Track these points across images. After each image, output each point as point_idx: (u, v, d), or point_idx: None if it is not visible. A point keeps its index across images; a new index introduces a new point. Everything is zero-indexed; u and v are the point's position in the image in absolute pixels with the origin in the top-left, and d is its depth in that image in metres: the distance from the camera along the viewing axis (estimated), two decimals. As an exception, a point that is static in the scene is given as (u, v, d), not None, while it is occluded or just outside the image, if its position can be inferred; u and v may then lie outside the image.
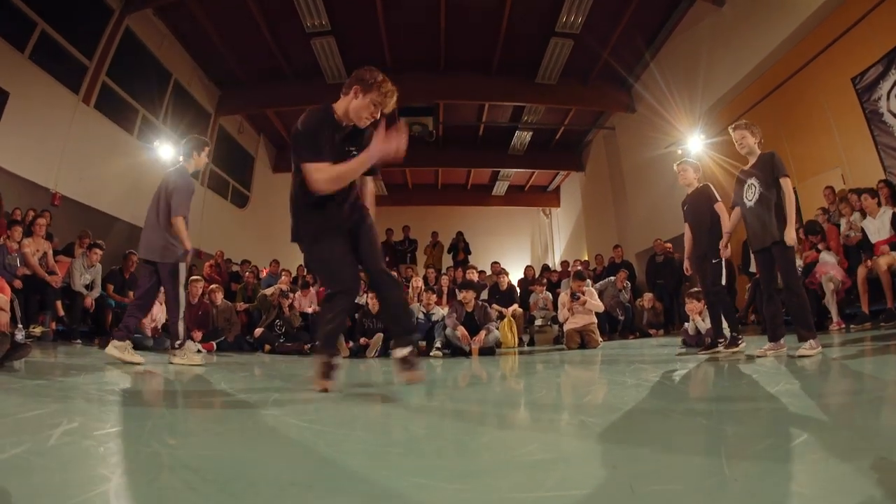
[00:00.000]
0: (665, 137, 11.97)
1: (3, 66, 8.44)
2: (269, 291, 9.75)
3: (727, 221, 5.47)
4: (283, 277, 10.52)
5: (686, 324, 7.38)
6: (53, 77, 9.46)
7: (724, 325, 5.81)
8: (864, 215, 7.44)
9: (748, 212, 5.02)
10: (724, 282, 5.66)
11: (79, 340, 7.89)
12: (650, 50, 12.46)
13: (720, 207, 5.64)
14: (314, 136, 3.29)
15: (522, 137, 16.91)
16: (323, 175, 3.17)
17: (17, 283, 7.15)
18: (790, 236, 4.70)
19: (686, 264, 6.15)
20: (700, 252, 5.78)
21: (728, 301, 5.82)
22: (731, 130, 5.16)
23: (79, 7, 9.87)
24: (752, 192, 4.99)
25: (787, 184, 4.74)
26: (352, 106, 3.42)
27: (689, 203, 6.01)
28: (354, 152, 3.36)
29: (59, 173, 9.69)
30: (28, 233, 7.88)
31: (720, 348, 5.62)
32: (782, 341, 4.88)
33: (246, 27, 11.71)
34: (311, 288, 10.29)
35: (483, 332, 7.58)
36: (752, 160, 5.05)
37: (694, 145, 10.97)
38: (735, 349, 5.39)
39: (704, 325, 6.89)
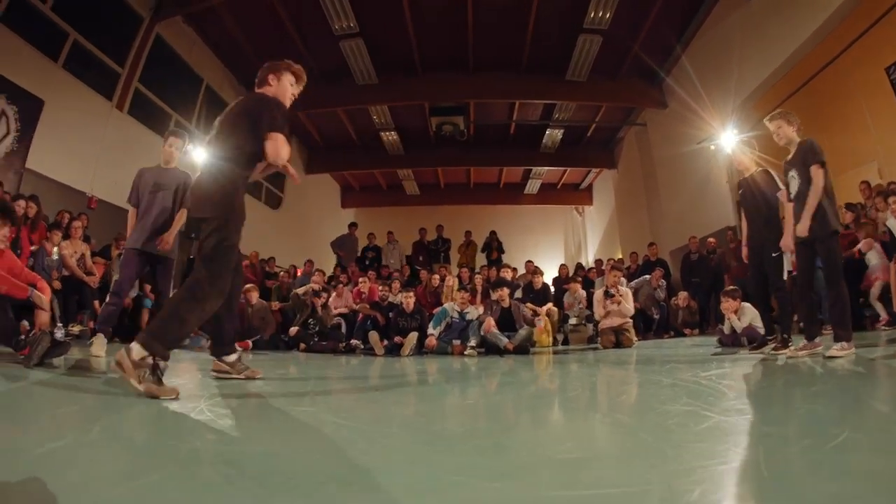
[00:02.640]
0: (697, 133, 11.76)
1: (37, 76, 8.65)
2: (301, 291, 9.84)
3: (790, 212, 5.09)
4: (315, 277, 10.61)
5: (721, 325, 7.29)
6: (87, 85, 9.68)
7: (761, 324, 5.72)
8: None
9: (795, 204, 4.86)
10: (785, 277, 5.45)
11: (116, 339, 8.07)
12: (680, 43, 12.24)
13: (784, 196, 5.29)
14: (286, 112, 3.41)
15: (554, 135, 16.79)
16: (285, 150, 3.20)
17: (56, 284, 7.32)
18: (801, 227, 4.62)
19: (744, 252, 5.88)
20: (757, 243, 5.59)
21: (788, 300, 5.57)
22: (766, 122, 5.02)
23: (109, 16, 10.08)
24: (793, 185, 4.87)
25: (816, 173, 4.59)
26: (278, 91, 3.57)
27: (744, 188, 5.81)
28: None
29: (95, 177, 9.92)
30: (66, 235, 8.09)
31: (770, 346, 5.50)
32: (818, 340, 4.79)
33: (274, 31, 11.81)
34: (344, 287, 10.34)
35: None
36: (793, 150, 4.90)
37: (727, 141, 10.75)
38: (782, 350, 5.18)
39: (740, 324, 6.80)
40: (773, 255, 5.34)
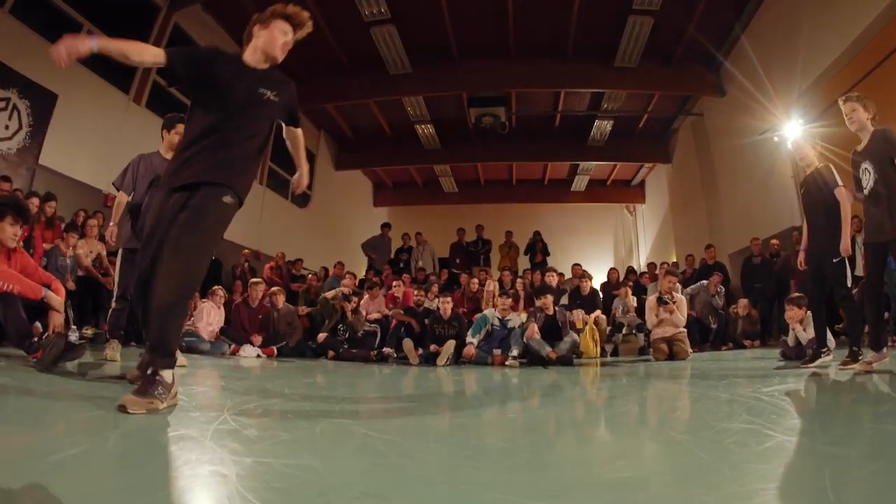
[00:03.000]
0: (759, 123, 11.48)
1: (50, 69, 8.78)
2: (329, 294, 9.91)
3: (848, 211, 5.06)
4: (345, 280, 10.68)
5: (784, 336, 7.18)
6: (102, 78, 9.98)
7: (829, 336, 5.61)
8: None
9: (866, 200, 4.76)
10: (849, 283, 5.25)
11: (132, 342, 8.25)
12: (739, 22, 11.92)
13: (841, 193, 5.17)
14: None
15: (602, 127, 16.63)
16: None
17: (70, 285, 7.49)
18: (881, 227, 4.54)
19: (801, 258, 5.75)
20: (816, 247, 5.42)
21: (857, 308, 5.37)
22: (840, 102, 4.90)
23: (125, 6, 10.36)
24: (867, 178, 4.73)
25: None
26: (259, 43, 3.35)
27: (805, 186, 5.64)
28: (270, 96, 3.22)
29: (112, 174, 10.04)
30: (81, 234, 8.30)
31: (823, 358, 5.40)
32: (885, 350, 4.67)
33: None
34: (378, 290, 10.40)
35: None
36: (865, 139, 4.78)
37: (791, 131, 10.45)
38: (852, 365, 4.94)
39: (806, 335, 6.65)
40: (834, 260, 5.17)
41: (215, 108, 3.08)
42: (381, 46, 12.75)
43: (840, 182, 5.22)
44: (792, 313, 6.77)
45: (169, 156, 5.26)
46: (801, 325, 6.71)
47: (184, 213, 2.84)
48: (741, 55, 12.12)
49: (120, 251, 5.56)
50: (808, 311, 6.68)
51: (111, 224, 5.53)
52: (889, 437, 2.25)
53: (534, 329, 7.56)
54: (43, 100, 8.81)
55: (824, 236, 5.29)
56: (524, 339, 7.62)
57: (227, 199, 2.94)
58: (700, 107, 15.06)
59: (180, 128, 5.08)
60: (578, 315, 8.09)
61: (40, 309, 4.56)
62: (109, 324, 5.55)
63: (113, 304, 5.48)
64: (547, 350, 7.39)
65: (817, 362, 5.45)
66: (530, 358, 7.59)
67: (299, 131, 3.21)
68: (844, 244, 5.01)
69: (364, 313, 9.45)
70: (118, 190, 5.65)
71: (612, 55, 12.93)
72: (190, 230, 2.81)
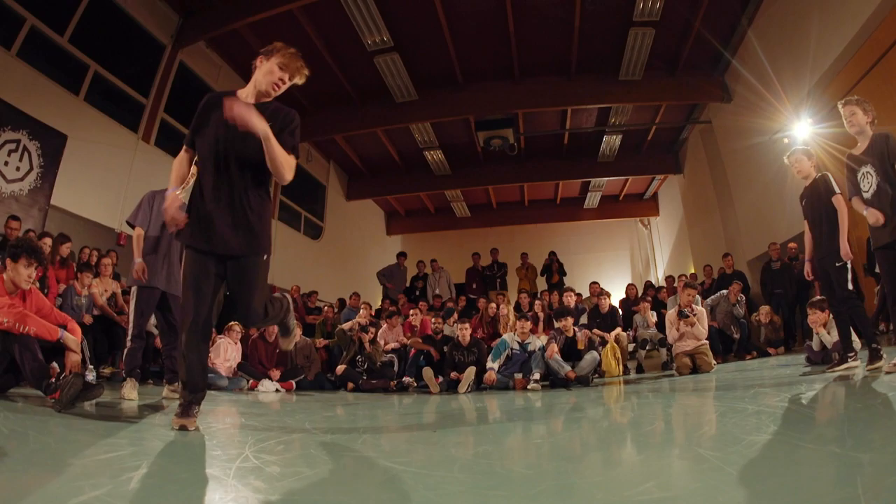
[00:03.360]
0: (769, 123, 11.37)
1: (59, 110, 9.09)
2: (346, 326, 9.92)
3: (846, 217, 5.18)
4: (361, 311, 10.69)
5: (809, 340, 7.11)
6: (110, 117, 10.14)
7: (854, 337, 5.57)
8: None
9: (867, 203, 4.79)
10: (850, 286, 5.31)
11: (150, 381, 8.27)
12: (745, 15, 11.79)
13: (838, 201, 5.29)
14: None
15: (611, 142, 16.65)
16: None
17: (87, 319, 7.54)
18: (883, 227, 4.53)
19: (807, 268, 5.82)
20: (821, 254, 5.48)
21: (861, 309, 5.43)
22: (840, 106, 4.97)
23: (130, 46, 10.59)
24: (867, 182, 4.78)
25: None
26: (258, 76, 3.46)
27: (806, 197, 5.71)
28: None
29: (124, 213, 10.20)
30: (95, 274, 8.36)
31: (850, 363, 5.38)
32: None
33: (304, 51, 11.74)
34: (397, 318, 10.37)
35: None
36: (864, 143, 4.84)
37: (801, 131, 10.33)
38: (877, 364, 4.92)
39: (830, 338, 6.60)
40: (837, 264, 5.25)
41: (214, 150, 3.27)
42: (386, 75, 12.87)
43: (838, 190, 5.34)
44: (815, 317, 6.75)
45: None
46: (824, 328, 6.67)
47: (238, 286, 3.34)
48: (748, 53, 12.01)
49: (134, 289, 5.64)
50: (831, 315, 6.64)
51: (137, 260, 5.57)
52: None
53: (553, 348, 7.55)
54: (53, 140, 8.96)
55: (828, 244, 5.33)
56: (545, 359, 7.60)
57: (264, 258, 3.41)
58: (708, 114, 15.02)
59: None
60: (583, 337, 8.03)
61: (57, 349, 4.59)
62: (126, 363, 5.65)
63: (129, 343, 5.61)
64: (567, 370, 7.37)
65: (843, 367, 5.41)
66: (552, 380, 7.56)
67: (292, 159, 3.25)
68: (844, 250, 5.10)
69: (382, 343, 9.45)
70: (133, 227, 5.80)
71: (616, 69, 12.97)
72: (253, 295, 3.34)
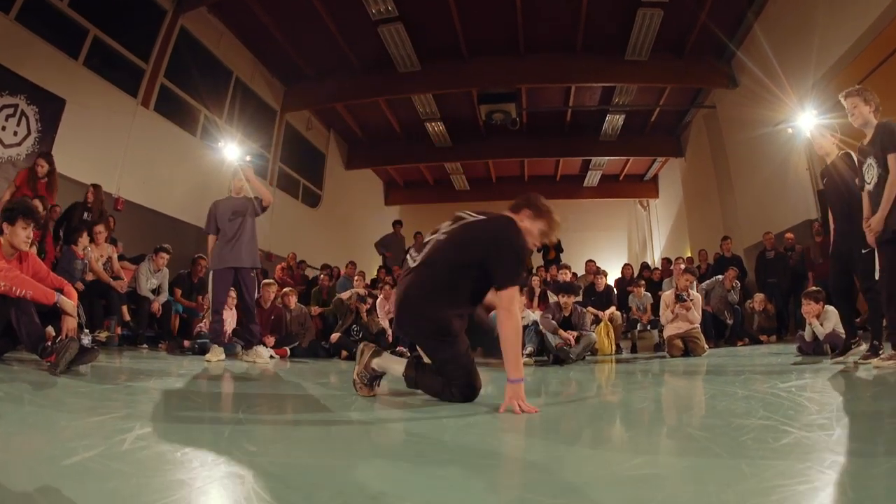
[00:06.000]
0: (773, 114, 11.31)
1: (57, 75, 9.00)
2: (345, 296, 9.93)
3: (867, 204, 4.90)
4: (356, 280, 10.69)
5: (801, 330, 7.15)
6: (110, 82, 10.03)
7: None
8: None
9: (870, 196, 4.75)
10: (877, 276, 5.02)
11: (145, 345, 8.32)
12: (752, 9, 11.79)
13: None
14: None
15: (614, 121, 16.60)
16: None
17: (79, 286, 7.52)
18: (875, 219, 4.51)
19: (832, 244, 5.61)
20: (842, 237, 5.37)
21: (878, 304, 5.13)
22: (842, 99, 4.90)
23: (130, 10, 10.46)
24: (870, 174, 4.73)
25: (895, 162, 4.46)
26: (522, 226, 3.43)
27: (827, 176, 5.58)
28: None
29: (122, 178, 10.28)
30: (90, 240, 8.30)
31: (855, 349, 5.38)
32: None
33: (307, 19, 11.96)
34: (391, 289, 10.30)
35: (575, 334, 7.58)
36: (869, 134, 4.77)
37: (806, 122, 10.26)
38: (871, 360, 4.95)
39: (823, 329, 6.64)
40: (864, 251, 5.04)
41: None
42: (390, 45, 12.76)
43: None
44: (809, 308, 6.75)
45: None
46: (817, 319, 6.69)
47: None
48: (754, 44, 11.99)
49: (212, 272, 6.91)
50: (826, 306, 6.67)
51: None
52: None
53: (564, 334, 7.54)
54: (51, 105, 8.88)
55: (848, 227, 5.23)
56: (541, 329, 7.63)
57: None
58: (712, 99, 14.97)
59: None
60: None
61: (53, 313, 4.59)
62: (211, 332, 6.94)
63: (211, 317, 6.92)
64: (557, 341, 7.40)
65: (849, 355, 5.41)
66: (553, 357, 7.57)
67: None
68: (871, 237, 4.78)
69: (380, 312, 9.46)
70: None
71: (622, 49, 12.87)
72: None
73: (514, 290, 3.07)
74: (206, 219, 7.01)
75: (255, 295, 6.99)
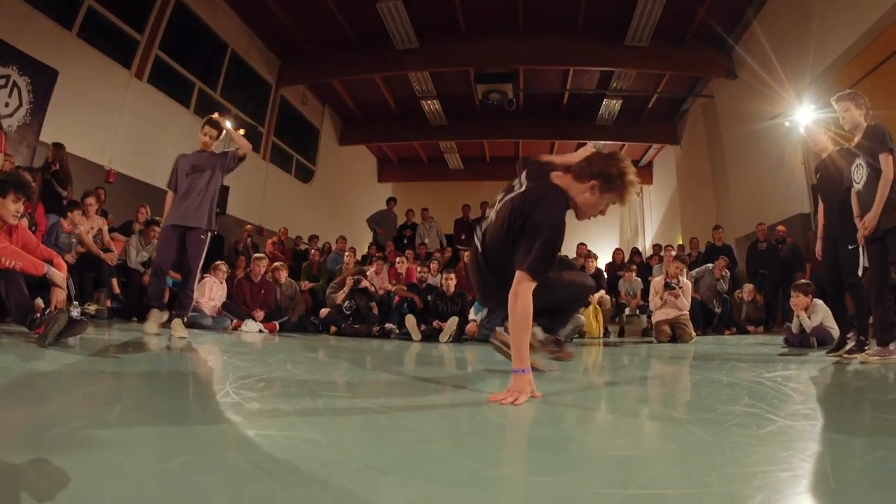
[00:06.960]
0: (770, 108, 11.39)
1: (50, 45, 8.89)
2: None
3: (856, 203, 5.00)
4: (347, 255, 10.67)
5: (788, 322, 7.20)
6: (103, 53, 9.94)
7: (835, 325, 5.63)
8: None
9: (859, 196, 4.82)
10: (860, 273, 5.20)
11: (134, 318, 8.29)
12: (752, 5, 11.82)
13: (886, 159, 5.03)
14: None
15: (611, 106, 16.57)
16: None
17: (70, 258, 7.47)
18: (868, 217, 4.55)
19: (818, 246, 5.69)
20: (833, 234, 5.43)
21: (864, 299, 5.28)
22: (833, 102, 4.96)
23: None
24: (859, 173, 4.80)
25: (886, 161, 4.49)
26: (581, 199, 3.19)
27: (822, 171, 5.61)
28: None
29: (114, 150, 10.22)
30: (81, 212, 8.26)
31: (846, 346, 5.41)
32: (892, 346, 4.65)
33: None
34: (382, 264, 10.37)
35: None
36: (858, 136, 4.81)
37: (802, 117, 10.30)
38: (855, 355, 5.03)
39: (810, 322, 6.69)
40: (850, 247, 5.13)
41: None
42: (388, 21, 12.65)
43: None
44: (797, 300, 6.80)
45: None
46: (805, 312, 6.74)
47: None
48: (753, 39, 12.03)
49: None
50: (814, 300, 6.72)
51: None
52: (892, 426, 2.27)
53: None
54: (43, 76, 8.79)
55: (836, 223, 5.30)
56: None
57: None
58: (711, 89, 14.96)
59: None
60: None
61: (42, 285, 4.59)
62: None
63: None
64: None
65: (841, 352, 5.43)
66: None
67: None
68: (861, 233, 4.86)
69: (375, 282, 9.45)
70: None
71: (622, 34, 12.80)
72: None
73: (527, 274, 2.79)
74: (170, 173, 6.26)
75: (201, 261, 6.10)
